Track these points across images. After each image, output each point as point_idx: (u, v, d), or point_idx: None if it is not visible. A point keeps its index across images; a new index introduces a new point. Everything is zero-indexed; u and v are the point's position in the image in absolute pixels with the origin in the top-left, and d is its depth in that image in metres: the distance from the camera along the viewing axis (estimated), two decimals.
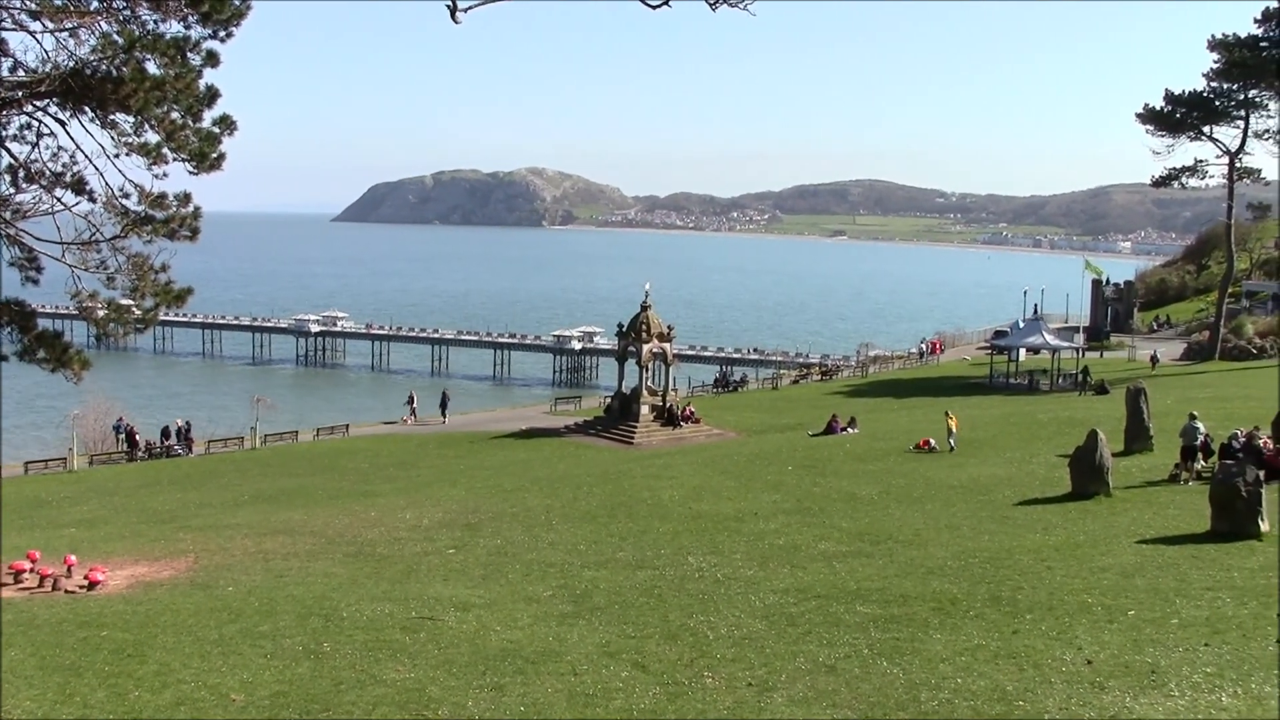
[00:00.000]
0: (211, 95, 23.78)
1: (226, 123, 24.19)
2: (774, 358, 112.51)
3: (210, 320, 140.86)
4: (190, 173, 24.07)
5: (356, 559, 28.45)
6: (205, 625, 20.80)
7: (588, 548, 28.71)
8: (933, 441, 45.71)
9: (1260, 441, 33.83)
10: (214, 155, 24.03)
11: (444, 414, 72.54)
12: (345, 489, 44.54)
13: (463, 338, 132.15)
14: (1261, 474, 26.32)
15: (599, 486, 40.84)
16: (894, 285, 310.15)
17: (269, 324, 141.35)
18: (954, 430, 45.75)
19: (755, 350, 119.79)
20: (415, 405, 74.34)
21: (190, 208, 24.44)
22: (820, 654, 17.66)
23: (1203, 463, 34.07)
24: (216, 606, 22.52)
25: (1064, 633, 18.04)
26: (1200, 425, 35.15)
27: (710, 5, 15.24)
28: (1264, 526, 24.59)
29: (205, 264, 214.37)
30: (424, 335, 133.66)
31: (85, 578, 25.67)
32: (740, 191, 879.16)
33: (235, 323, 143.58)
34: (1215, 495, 25.43)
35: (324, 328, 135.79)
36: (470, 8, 14.81)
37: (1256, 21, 79.92)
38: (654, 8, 15.12)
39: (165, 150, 23.53)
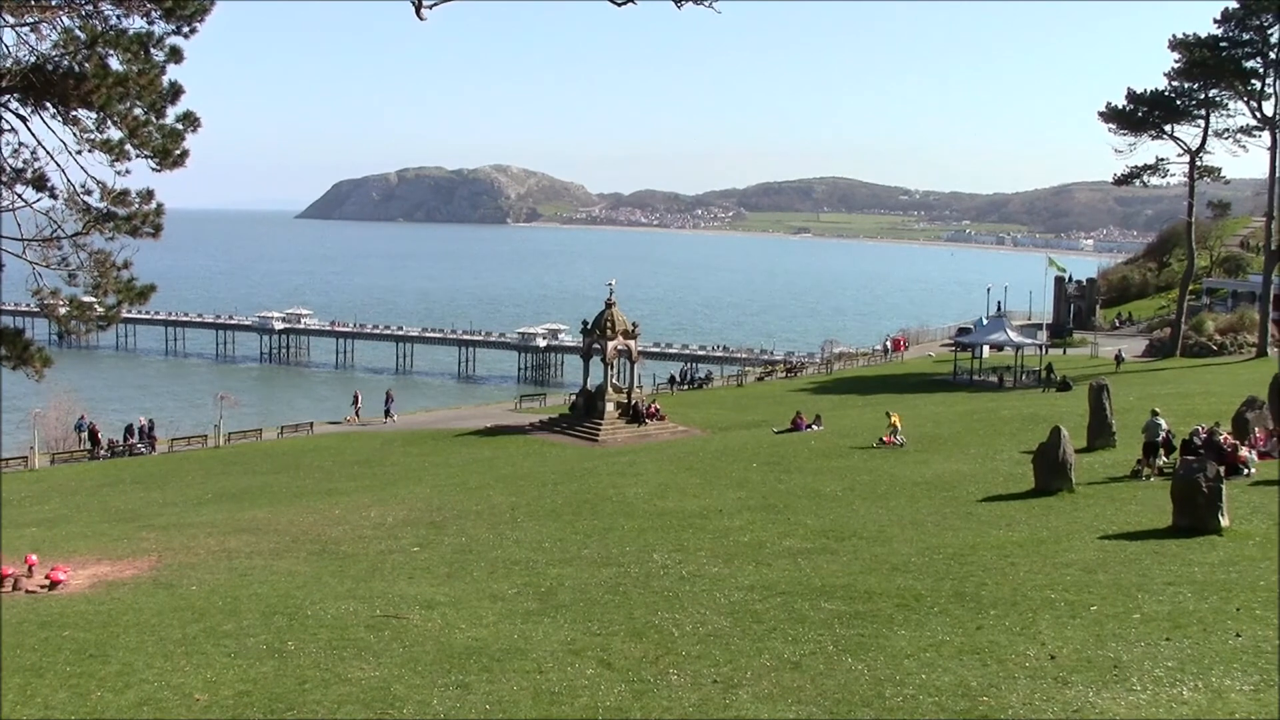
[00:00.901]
0: (175, 92, 23.67)
1: (190, 119, 24.07)
2: (739, 355, 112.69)
3: (173, 318, 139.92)
4: (153, 169, 23.95)
5: (321, 557, 28.37)
6: (168, 625, 20.70)
7: (553, 545, 28.70)
8: (897, 438, 45.99)
9: (1221, 438, 34.18)
10: (177, 152, 23.90)
11: (388, 414, 72.17)
12: (309, 487, 44.40)
13: (427, 335, 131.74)
14: (1222, 470, 26.61)
15: (564, 484, 40.84)
16: (858, 283, 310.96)
17: (233, 321, 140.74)
18: (898, 427, 46.21)
19: (720, 347, 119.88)
20: (360, 405, 74.01)
21: (153, 205, 24.32)
22: (785, 651, 17.70)
23: (1164, 459, 34.34)
24: (180, 606, 22.41)
25: (1027, 628, 18.14)
26: (1162, 421, 35.43)
27: (676, 3, 15.26)
28: (1224, 522, 24.80)
29: (168, 261, 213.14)
30: (389, 332, 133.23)
31: (47, 577, 25.52)
32: (705, 189, 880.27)
33: (199, 320, 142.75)
34: (1177, 491, 25.62)
35: (288, 325, 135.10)
36: (435, 4, 14.79)
37: (1216, 22, 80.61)
38: (619, 5, 15.14)
39: (128, 147, 23.40)
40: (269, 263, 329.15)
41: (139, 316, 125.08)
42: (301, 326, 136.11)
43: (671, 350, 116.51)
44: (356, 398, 75.30)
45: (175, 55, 23.35)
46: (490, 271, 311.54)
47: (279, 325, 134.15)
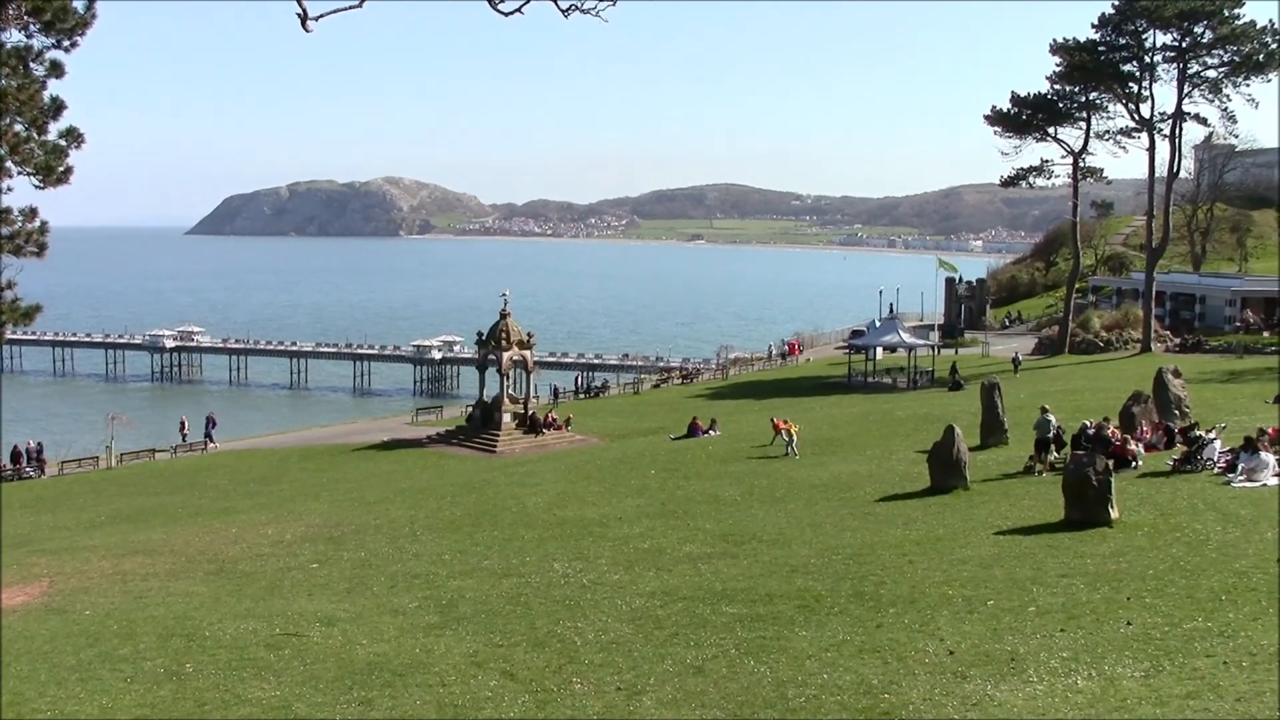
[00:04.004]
0: (57, 107, 23.27)
1: (73, 135, 23.66)
2: (635, 362, 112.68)
3: (61, 338, 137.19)
4: (36, 187, 23.51)
5: (218, 577, 28.03)
6: (61, 651, 20.35)
7: (453, 557, 28.60)
8: (784, 429, 46.59)
9: (1109, 432, 34.88)
10: (61, 168, 23.50)
11: (208, 438, 69.39)
12: (205, 506, 43.81)
13: (322, 350, 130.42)
14: (1110, 463, 27.17)
15: (463, 496, 40.69)
16: (752, 288, 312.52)
17: (123, 340, 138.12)
18: (785, 433, 46.94)
19: (617, 355, 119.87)
20: (187, 430, 70.97)
21: (37, 223, 23.89)
22: (688, 655, 17.79)
23: (1055, 454, 34.96)
24: (73, 631, 22.04)
25: (926, 625, 18.39)
26: (1052, 418, 36.09)
27: (562, 12, 15.28)
28: (1114, 514, 25.30)
29: (54, 280, 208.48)
30: (282, 348, 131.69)
31: None
32: (598, 198, 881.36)
33: (87, 340, 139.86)
34: (1068, 485, 26.14)
35: (180, 343, 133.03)
36: (321, 15, 14.68)
37: (1094, 27, 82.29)
38: (506, 15, 15.13)
39: (9, 164, 22.95)
40: (159, 280, 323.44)
41: (24, 337, 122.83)
42: (193, 344, 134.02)
43: (568, 359, 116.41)
44: (183, 424, 72.50)
45: (56, 70, 22.96)
46: (384, 285, 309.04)
47: (170, 343, 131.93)
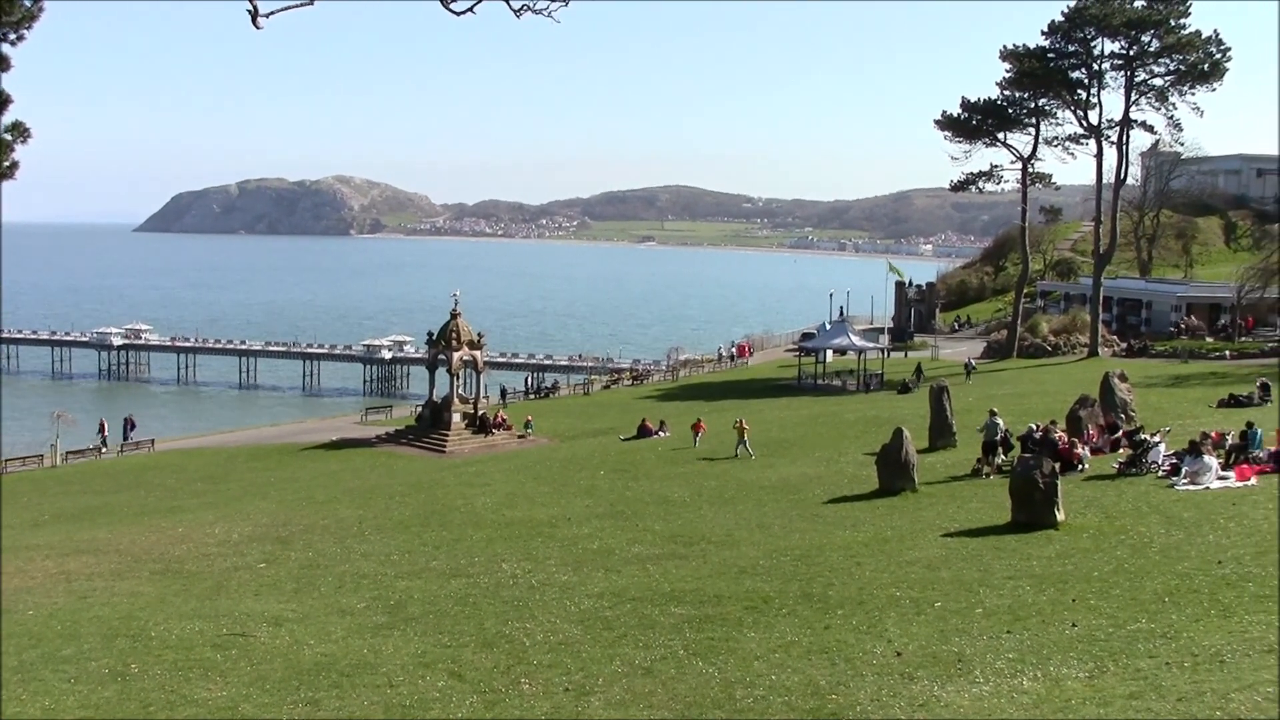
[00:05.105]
0: (2, 101, 23.02)
1: (19, 130, 23.40)
2: (585, 363, 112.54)
3: (4, 335, 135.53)
4: None
5: (164, 577, 27.82)
6: (3, 652, 20.11)
7: (401, 558, 28.51)
8: (704, 426, 47.96)
9: (1055, 435, 35.19)
10: (6, 164, 23.24)
11: (126, 440, 68.77)
12: (152, 505, 43.47)
13: (271, 349, 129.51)
14: (1057, 466, 27.39)
15: (411, 496, 40.58)
16: (703, 290, 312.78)
17: (69, 338, 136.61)
18: (700, 435, 47.92)
19: (567, 356, 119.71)
20: (106, 433, 69.87)
21: None
22: (636, 656, 17.79)
23: (1003, 457, 35.24)
24: (15, 632, 21.81)
25: (874, 626, 18.47)
26: (1000, 421, 36.36)
27: (514, 11, 15.25)
28: (1060, 516, 25.52)
29: None
30: (232, 347, 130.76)
31: None
32: (549, 198, 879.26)
33: (32, 337, 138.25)
34: (1015, 488, 26.34)
35: (127, 340, 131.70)
36: (272, 13, 14.58)
37: (1044, 34, 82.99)
38: (458, 14, 15.07)
39: None
40: (107, 278, 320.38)
41: None
42: (141, 342, 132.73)
43: (518, 360, 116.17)
44: (102, 426, 71.51)
45: (2, 63, 22.72)
46: (335, 284, 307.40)
47: (117, 341, 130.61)
